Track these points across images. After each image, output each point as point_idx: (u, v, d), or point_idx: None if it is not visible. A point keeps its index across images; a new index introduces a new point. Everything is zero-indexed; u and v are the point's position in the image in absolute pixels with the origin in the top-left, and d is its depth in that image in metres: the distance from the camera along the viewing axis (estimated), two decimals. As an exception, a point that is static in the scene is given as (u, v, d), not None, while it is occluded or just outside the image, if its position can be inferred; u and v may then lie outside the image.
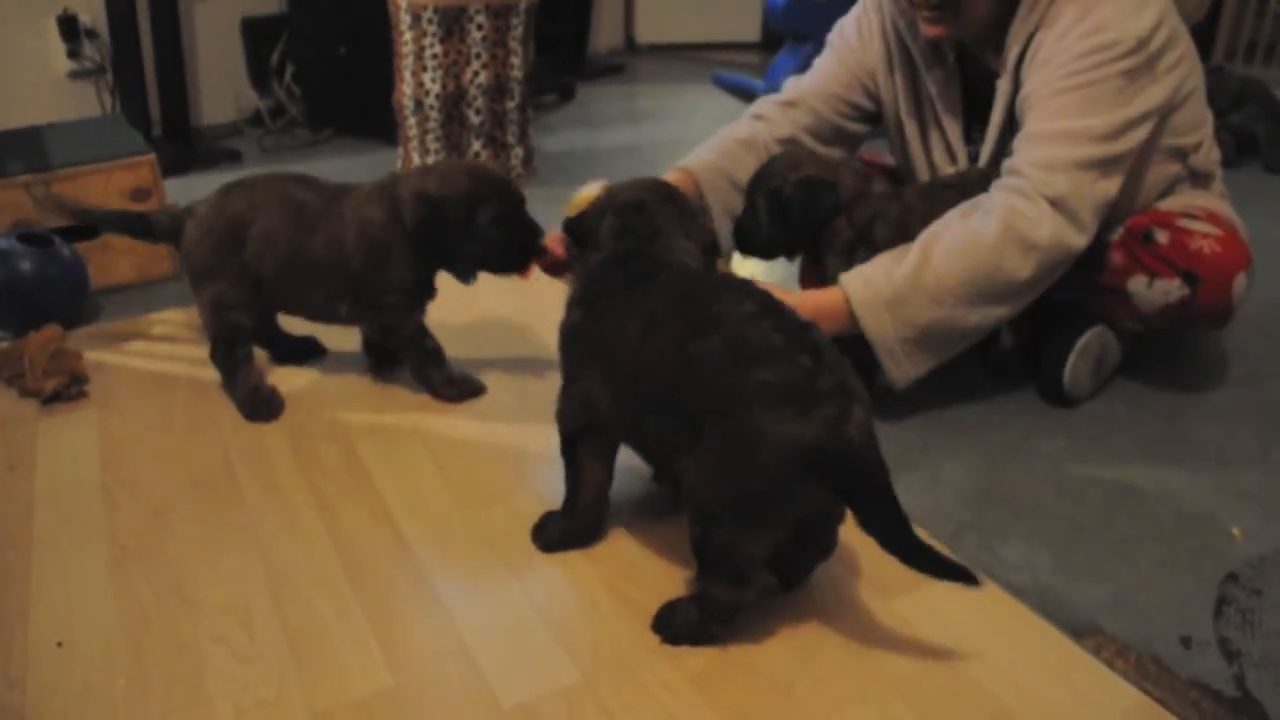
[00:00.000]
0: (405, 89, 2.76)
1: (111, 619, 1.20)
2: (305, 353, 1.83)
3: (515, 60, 2.80)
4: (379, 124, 3.14)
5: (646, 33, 4.90)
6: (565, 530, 1.30)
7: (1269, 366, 1.82)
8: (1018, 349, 1.77)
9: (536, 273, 1.61)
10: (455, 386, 1.68)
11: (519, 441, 1.55)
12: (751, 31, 4.84)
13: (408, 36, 2.70)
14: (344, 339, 1.81)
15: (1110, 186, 1.50)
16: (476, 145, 2.82)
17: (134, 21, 3.09)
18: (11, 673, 1.13)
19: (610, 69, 4.50)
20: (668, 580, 1.23)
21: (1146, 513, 1.42)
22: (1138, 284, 1.60)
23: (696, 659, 1.12)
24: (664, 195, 1.29)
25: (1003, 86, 1.62)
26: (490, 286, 1.71)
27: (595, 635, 1.16)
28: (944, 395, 1.69)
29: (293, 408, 1.66)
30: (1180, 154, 1.65)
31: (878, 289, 1.48)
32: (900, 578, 1.11)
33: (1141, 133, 1.51)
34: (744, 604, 1.11)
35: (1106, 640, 1.17)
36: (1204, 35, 3.71)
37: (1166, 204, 1.66)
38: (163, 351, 1.88)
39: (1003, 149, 1.65)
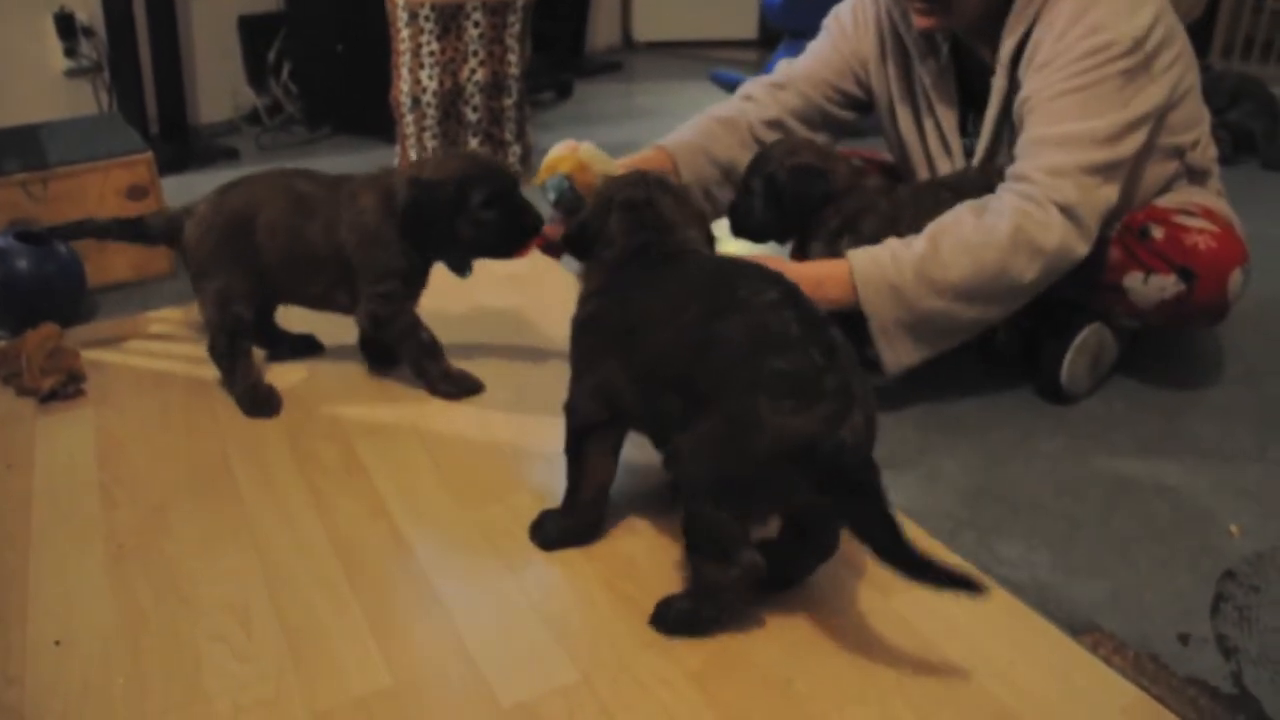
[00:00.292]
0: (402, 86, 2.75)
1: (110, 617, 1.20)
2: (302, 350, 1.83)
3: (512, 57, 2.80)
4: (376, 121, 3.13)
5: (644, 30, 4.89)
6: (564, 528, 1.30)
7: (1267, 364, 1.82)
8: (1014, 342, 1.77)
9: (532, 259, 1.61)
10: (453, 383, 1.67)
11: (517, 439, 1.55)
12: (749, 29, 4.83)
13: (405, 34, 2.69)
14: (341, 336, 1.80)
15: (1111, 193, 1.51)
16: (474, 143, 2.81)
17: (131, 19, 3.08)
18: (10, 671, 1.13)
19: (608, 66, 4.49)
20: (666, 579, 1.23)
21: (1144, 510, 1.42)
22: (1134, 280, 1.60)
23: (695, 657, 1.12)
24: (658, 186, 1.30)
25: (998, 83, 1.62)
26: (488, 282, 1.70)
27: (594, 634, 1.16)
28: (942, 393, 1.69)
29: (290, 405, 1.66)
30: (1177, 151, 1.65)
31: (883, 268, 1.49)
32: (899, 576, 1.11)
33: (1140, 136, 1.52)
34: (730, 583, 1.11)
35: (1105, 637, 1.17)
36: (1201, 32, 3.72)
37: (1164, 201, 1.66)
38: (160, 350, 1.88)
39: (998, 143, 1.66)
